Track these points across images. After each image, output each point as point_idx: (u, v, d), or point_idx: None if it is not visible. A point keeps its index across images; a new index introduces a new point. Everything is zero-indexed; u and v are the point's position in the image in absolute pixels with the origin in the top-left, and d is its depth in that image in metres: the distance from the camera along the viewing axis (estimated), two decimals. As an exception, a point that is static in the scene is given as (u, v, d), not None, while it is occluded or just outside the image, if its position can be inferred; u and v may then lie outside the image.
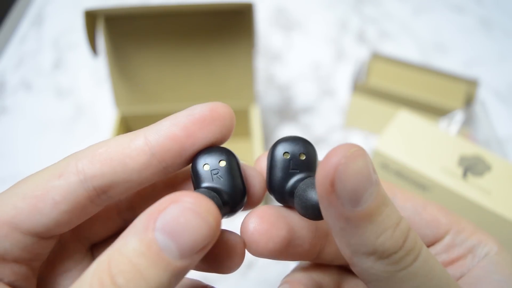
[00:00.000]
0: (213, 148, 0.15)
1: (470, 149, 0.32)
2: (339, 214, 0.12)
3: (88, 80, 0.58)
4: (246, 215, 0.15)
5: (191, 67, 0.43)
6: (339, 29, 0.65)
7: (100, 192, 0.14)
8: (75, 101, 0.56)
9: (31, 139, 0.51)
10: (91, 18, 0.37)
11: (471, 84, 0.44)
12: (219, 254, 0.14)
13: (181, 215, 0.11)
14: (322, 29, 0.65)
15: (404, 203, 0.17)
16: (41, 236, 0.14)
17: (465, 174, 0.31)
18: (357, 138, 0.50)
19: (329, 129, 0.52)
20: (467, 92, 0.44)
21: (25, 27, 0.66)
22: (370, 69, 0.47)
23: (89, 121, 0.53)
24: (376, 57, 0.48)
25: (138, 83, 0.44)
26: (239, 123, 0.48)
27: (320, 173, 0.12)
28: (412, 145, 0.32)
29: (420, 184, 0.32)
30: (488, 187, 0.30)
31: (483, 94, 0.54)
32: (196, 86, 0.44)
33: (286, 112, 0.54)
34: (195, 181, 0.15)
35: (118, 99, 0.44)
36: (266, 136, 0.51)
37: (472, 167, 0.31)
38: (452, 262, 0.17)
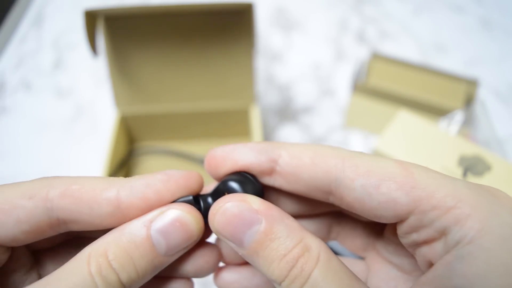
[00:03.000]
0: None
1: (470, 149, 0.32)
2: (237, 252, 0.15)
3: (88, 80, 0.58)
4: None
5: (191, 67, 0.43)
6: (339, 29, 0.65)
7: (62, 223, 0.15)
8: (75, 101, 0.56)
9: (31, 139, 0.51)
10: (91, 18, 0.37)
11: (471, 84, 0.44)
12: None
13: (176, 220, 0.15)
14: (322, 29, 0.65)
15: (352, 181, 0.15)
16: None
17: (465, 174, 0.31)
18: (357, 138, 0.50)
19: (329, 129, 0.52)
20: (467, 92, 0.44)
21: (25, 27, 0.66)
22: (370, 69, 0.47)
23: (89, 121, 0.53)
24: (376, 57, 0.48)
25: (138, 83, 0.44)
26: (239, 123, 0.48)
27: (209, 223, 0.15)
28: (412, 145, 0.32)
29: (420, 184, 0.32)
30: (488, 187, 0.30)
31: (483, 94, 0.54)
32: (196, 86, 0.44)
33: (286, 112, 0.54)
34: None
35: (118, 99, 0.44)
36: (266, 136, 0.51)
37: (472, 167, 0.31)
38: (425, 242, 0.14)
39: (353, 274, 0.14)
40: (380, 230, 0.19)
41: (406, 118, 0.34)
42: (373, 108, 0.46)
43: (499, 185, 0.30)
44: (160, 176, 0.16)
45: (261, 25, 0.65)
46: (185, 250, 0.16)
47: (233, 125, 0.48)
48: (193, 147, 0.49)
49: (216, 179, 0.17)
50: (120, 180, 0.16)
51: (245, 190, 0.16)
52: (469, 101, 0.43)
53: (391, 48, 0.61)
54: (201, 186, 0.17)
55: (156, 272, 0.15)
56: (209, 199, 0.17)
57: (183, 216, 0.15)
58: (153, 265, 0.15)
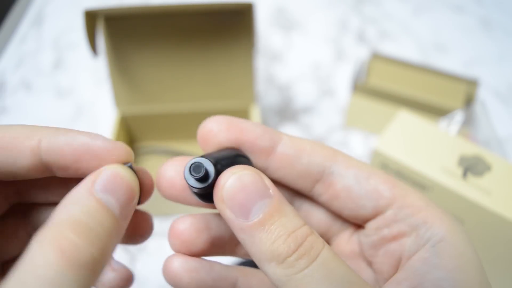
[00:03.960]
0: None
1: (470, 149, 0.32)
2: (236, 226, 0.14)
3: (88, 80, 0.58)
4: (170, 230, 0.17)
5: (191, 67, 0.43)
6: (339, 29, 0.65)
7: None
8: (75, 101, 0.56)
9: (31, 139, 0.51)
10: (91, 18, 0.37)
11: (471, 84, 0.44)
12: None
13: (116, 176, 0.14)
14: (322, 29, 0.65)
15: (346, 170, 0.16)
16: None
17: (465, 174, 0.31)
18: (357, 138, 0.50)
19: (329, 129, 0.52)
20: (467, 92, 0.44)
21: (25, 27, 0.67)
22: (370, 69, 0.47)
23: (89, 121, 0.53)
24: (376, 57, 0.48)
25: (138, 83, 0.44)
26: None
27: (215, 192, 0.14)
28: (412, 145, 0.32)
29: (420, 184, 0.32)
30: (488, 187, 0.30)
31: (483, 94, 0.54)
32: (196, 86, 0.44)
33: (286, 112, 0.54)
34: None
35: (118, 99, 0.44)
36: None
37: (472, 167, 0.31)
38: (394, 238, 0.16)
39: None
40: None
41: (406, 118, 0.34)
42: (373, 108, 0.46)
43: (499, 185, 0.30)
44: (84, 137, 0.15)
45: (261, 25, 0.65)
46: (132, 210, 0.15)
47: (233, 125, 0.48)
48: (193, 147, 0.49)
49: (211, 146, 0.17)
50: (44, 130, 0.15)
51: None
52: (469, 101, 0.43)
53: (391, 48, 0.61)
54: (130, 156, 0.16)
55: (118, 238, 0.14)
56: (210, 168, 0.15)
57: (120, 171, 0.14)
58: (112, 224, 0.13)
